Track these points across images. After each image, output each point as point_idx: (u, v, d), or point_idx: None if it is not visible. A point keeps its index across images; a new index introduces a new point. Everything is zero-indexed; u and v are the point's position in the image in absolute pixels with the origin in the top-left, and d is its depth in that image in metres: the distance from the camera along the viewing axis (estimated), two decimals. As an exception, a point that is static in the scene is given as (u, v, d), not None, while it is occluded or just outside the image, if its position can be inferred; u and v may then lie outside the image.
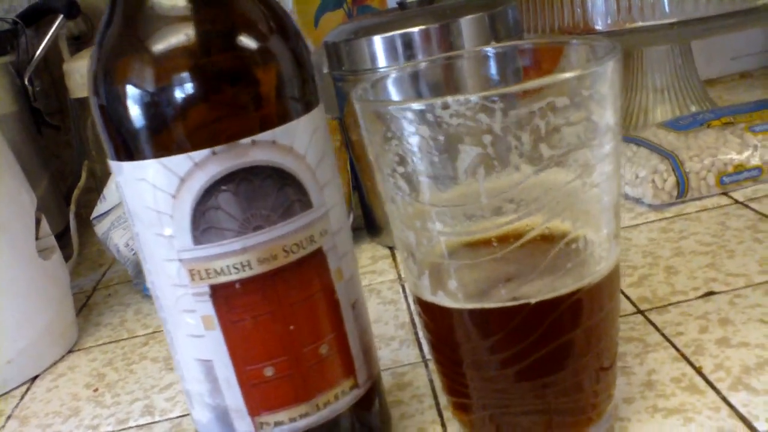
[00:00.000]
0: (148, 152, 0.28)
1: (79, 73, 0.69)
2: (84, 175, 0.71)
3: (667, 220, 0.56)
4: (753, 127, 0.58)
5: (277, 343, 0.30)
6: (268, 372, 0.30)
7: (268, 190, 0.28)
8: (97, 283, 0.68)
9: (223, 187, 0.28)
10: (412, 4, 0.56)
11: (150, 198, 0.28)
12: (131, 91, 0.27)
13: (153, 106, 0.27)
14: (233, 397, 0.31)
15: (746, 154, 0.57)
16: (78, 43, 0.80)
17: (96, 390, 0.49)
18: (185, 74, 0.27)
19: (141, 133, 0.28)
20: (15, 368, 0.51)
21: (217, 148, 0.27)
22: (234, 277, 0.29)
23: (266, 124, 0.28)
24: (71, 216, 0.68)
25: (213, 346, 0.30)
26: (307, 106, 0.30)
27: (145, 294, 0.61)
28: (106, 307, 0.62)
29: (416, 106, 0.27)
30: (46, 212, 0.63)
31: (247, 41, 0.28)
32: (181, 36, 0.27)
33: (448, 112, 0.27)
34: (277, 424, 0.31)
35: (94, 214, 0.60)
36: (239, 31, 0.28)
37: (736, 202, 0.56)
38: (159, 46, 0.27)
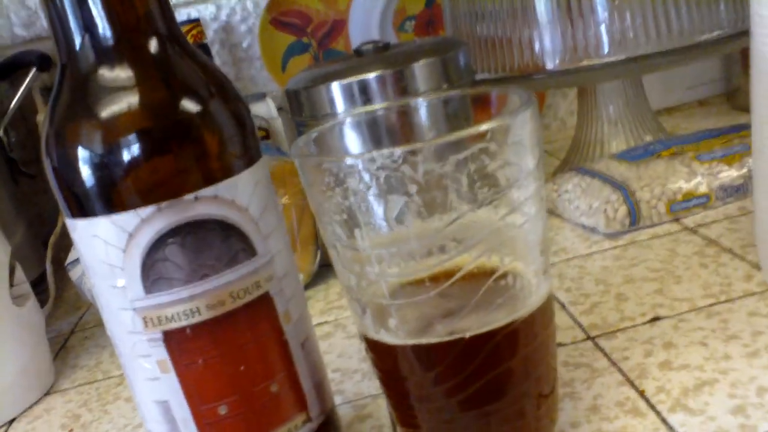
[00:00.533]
0: (98, 210, 0.30)
1: (52, 123, 0.71)
2: (60, 220, 0.73)
3: (621, 248, 0.58)
4: (700, 156, 0.61)
5: (229, 383, 0.32)
6: (222, 410, 0.32)
7: (212, 241, 0.30)
8: (74, 326, 0.70)
9: (170, 240, 0.30)
10: (368, 51, 0.58)
11: (102, 252, 0.30)
12: (80, 154, 0.29)
13: (99, 168, 0.29)
14: (190, 436, 0.33)
15: (694, 182, 0.60)
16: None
17: (71, 431, 0.50)
18: (128, 138, 0.29)
19: (90, 192, 0.30)
20: (-9, 413, 0.52)
21: (162, 205, 0.29)
22: (184, 323, 0.31)
23: (208, 181, 0.30)
24: (47, 261, 0.69)
25: (168, 387, 0.32)
26: (248, 162, 0.32)
27: (120, 336, 0.63)
28: (82, 350, 0.64)
29: (348, 161, 0.30)
30: (24, 258, 0.64)
31: (187, 105, 0.30)
32: (124, 103, 0.29)
33: (374, 165, 0.29)
34: (233, 460, 0.33)
35: (69, 259, 0.62)
36: (179, 96, 0.30)
37: (686, 228, 0.59)
38: (104, 113, 0.29)
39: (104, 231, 0.30)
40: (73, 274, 0.62)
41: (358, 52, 0.59)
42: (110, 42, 0.30)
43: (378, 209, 0.30)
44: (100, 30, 0.29)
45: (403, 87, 0.55)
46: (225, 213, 0.30)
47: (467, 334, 0.31)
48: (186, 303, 0.31)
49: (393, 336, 0.33)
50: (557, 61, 0.60)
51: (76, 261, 0.61)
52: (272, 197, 0.33)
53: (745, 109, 0.86)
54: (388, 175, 0.29)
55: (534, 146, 0.31)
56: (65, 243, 0.75)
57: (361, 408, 0.44)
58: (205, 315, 0.31)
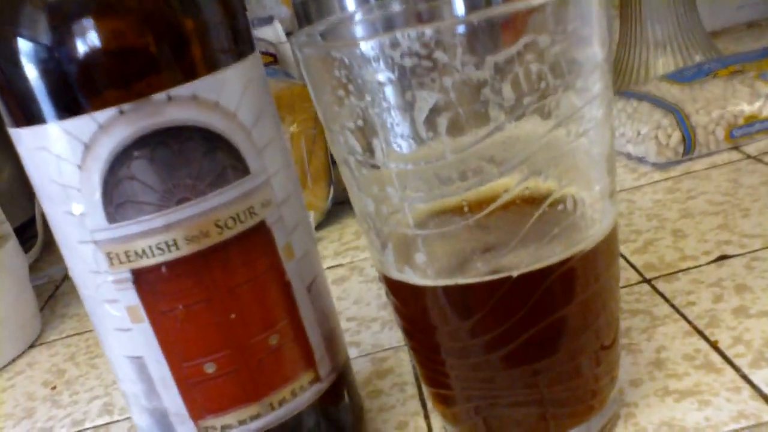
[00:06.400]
0: (46, 115, 0.23)
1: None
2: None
3: (674, 180, 0.53)
4: (763, 75, 0.55)
5: (217, 334, 0.26)
6: (209, 369, 0.26)
7: (191, 155, 0.24)
8: (66, 273, 0.65)
9: (136, 153, 0.23)
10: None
11: (54, 170, 0.24)
12: (22, 44, 0.23)
13: (47, 60, 0.23)
14: (171, 399, 0.27)
15: (758, 104, 0.54)
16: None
17: (54, 388, 0.46)
18: (82, 19, 0.22)
19: (36, 92, 0.23)
20: (-33, 368, 0.47)
21: (124, 107, 0.23)
22: (159, 259, 0.25)
23: (185, 77, 0.24)
24: (36, 204, 0.64)
25: (142, 340, 0.26)
26: (238, 55, 0.25)
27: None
28: (74, 297, 0.59)
29: (362, 46, 0.23)
30: (10, 200, 0.59)
31: (157, -23, 0.23)
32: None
33: (398, 51, 0.22)
34: (225, 428, 0.27)
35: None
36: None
37: (749, 156, 0.54)
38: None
39: (54, 142, 0.23)
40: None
41: (373, -43, 0.52)
42: None
43: (402, 111, 0.23)
44: None
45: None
46: (207, 118, 0.24)
47: (514, 273, 0.26)
48: (160, 234, 0.24)
49: (420, 275, 0.27)
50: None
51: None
52: (269, 102, 0.27)
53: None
54: (416, 64, 0.22)
55: (604, 30, 0.24)
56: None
57: (381, 362, 0.40)
58: (185, 250, 0.25)
